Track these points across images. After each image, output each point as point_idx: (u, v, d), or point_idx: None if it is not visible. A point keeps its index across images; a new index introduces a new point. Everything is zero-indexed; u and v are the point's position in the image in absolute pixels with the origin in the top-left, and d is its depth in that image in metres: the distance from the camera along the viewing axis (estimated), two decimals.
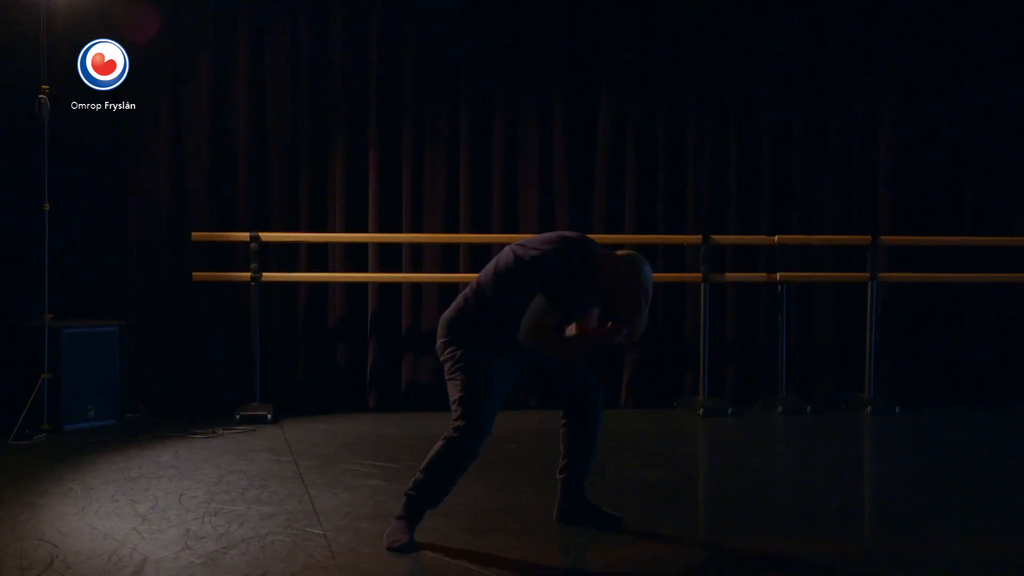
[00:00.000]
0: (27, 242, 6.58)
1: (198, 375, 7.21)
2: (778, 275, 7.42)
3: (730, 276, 7.52)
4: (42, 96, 6.22)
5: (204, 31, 7.20)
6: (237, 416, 6.80)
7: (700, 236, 7.35)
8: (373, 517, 4.51)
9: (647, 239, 7.48)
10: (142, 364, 7.04)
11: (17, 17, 6.67)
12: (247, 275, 7.00)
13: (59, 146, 6.58)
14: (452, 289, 7.43)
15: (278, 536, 4.23)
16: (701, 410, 7.20)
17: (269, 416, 6.80)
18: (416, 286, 7.44)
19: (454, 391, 4.09)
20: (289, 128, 7.31)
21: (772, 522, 4.63)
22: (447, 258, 7.45)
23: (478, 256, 7.43)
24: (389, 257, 7.42)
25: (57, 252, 6.58)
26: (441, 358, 4.18)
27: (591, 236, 7.72)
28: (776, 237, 7.48)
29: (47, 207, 6.28)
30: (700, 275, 7.31)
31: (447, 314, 4.25)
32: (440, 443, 4.07)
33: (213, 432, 6.43)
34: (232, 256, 7.19)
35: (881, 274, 7.51)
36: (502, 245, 7.39)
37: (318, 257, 7.36)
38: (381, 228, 7.37)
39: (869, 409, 7.31)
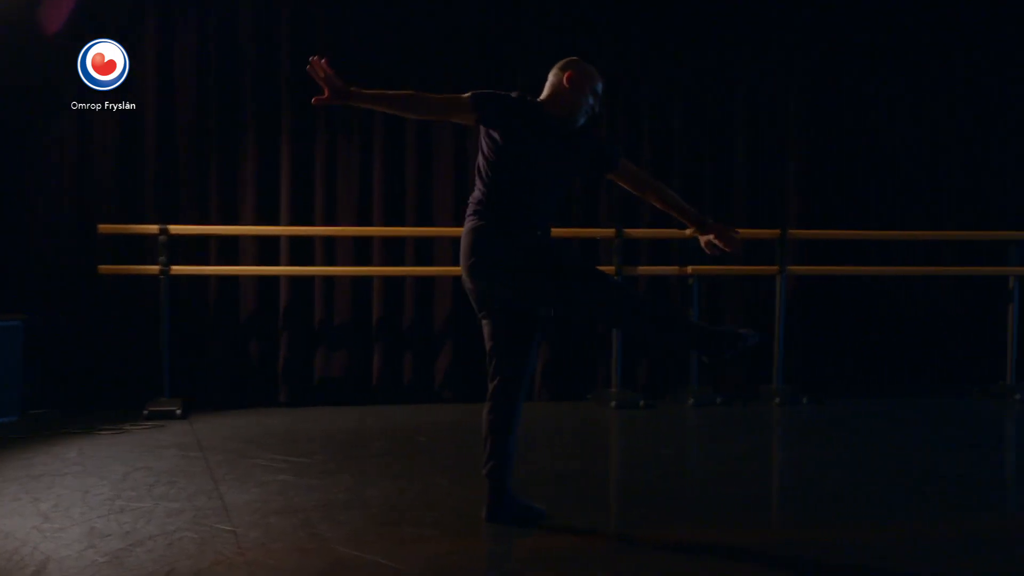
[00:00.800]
0: None
1: (105, 370, 7.06)
2: (689, 268, 7.50)
3: (643, 269, 7.59)
4: None
5: (113, 18, 7.05)
6: (145, 412, 6.67)
7: (614, 230, 7.40)
8: (283, 512, 4.46)
9: (562, 233, 7.48)
10: (47, 359, 6.87)
11: None
12: (156, 268, 6.87)
13: None
14: (365, 282, 7.39)
15: (186, 533, 4.16)
16: (613, 402, 7.25)
17: (178, 411, 6.69)
18: (329, 279, 7.37)
19: None
20: (199, 119, 7.19)
21: (684, 512, 4.67)
22: (360, 251, 7.40)
23: (392, 249, 7.40)
24: (302, 250, 7.34)
25: None
26: None
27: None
28: (688, 230, 7.54)
29: None
30: (613, 268, 7.36)
31: None
32: None
33: (120, 428, 6.31)
34: (140, 248, 7.06)
35: (790, 267, 7.63)
36: (415, 238, 7.45)
37: (229, 250, 7.26)
38: (294, 221, 7.29)
39: (777, 400, 7.42)
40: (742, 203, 7.93)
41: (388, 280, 7.42)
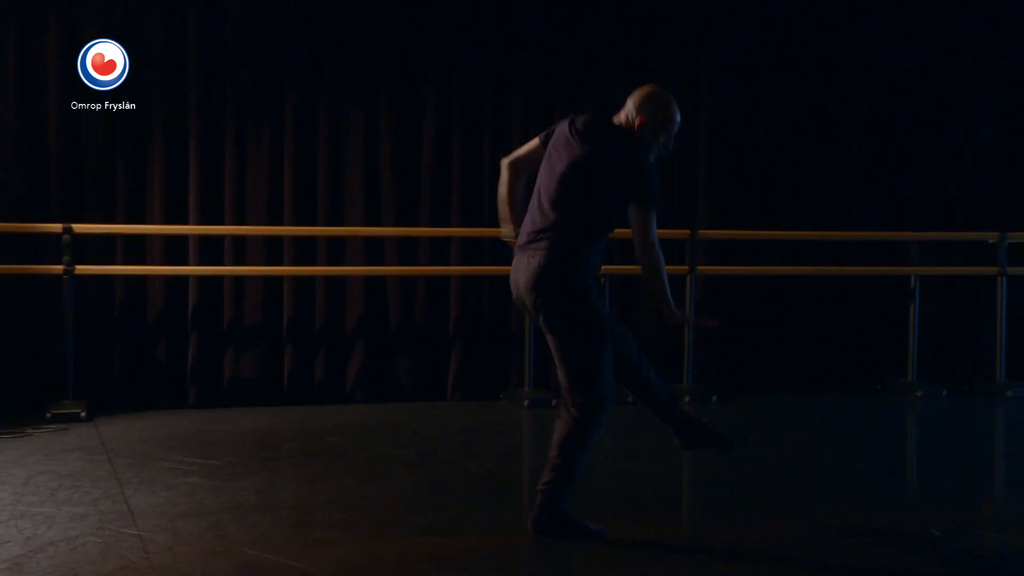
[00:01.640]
0: None
1: (5, 372, 6.88)
2: (601, 268, 7.53)
3: None
4: None
5: (12, 12, 6.88)
6: (48, 415, 6.52)
7: None
8: (191, 515, 4.40)
9: (474, 232, 7.51)
10: None
11: None
12: (59, 268, 6.72)
13: None
14: (276, 282, 7.32)
15: (89, 538, 4.08)
16: (526, 401, 7.27)
17: (83, 414, 6.55)
18: (239, 279, 7.28)
19: None
20: (104, 116, 7.04)
21: (594, 509, 4.70)
22: (271, 251, 7.32)
23: (302, 249, 7.34)
24: (211, 249, 7.24)
25: None
26: None
27: (417, 229, 7.74)
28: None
29: None
30: None
31: None
32: None
33: (22, 432, 6.15)
34: (44, 248, 6.89)
35: (699, 267, 7.73)
36: (327, 238, 7.39)
37: (136, 249, 7.13)
38: (202, 220, 7.19)
39: (688, 399, 7.51)
40: None
41: (299, 280, 7.35)
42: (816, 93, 8.31)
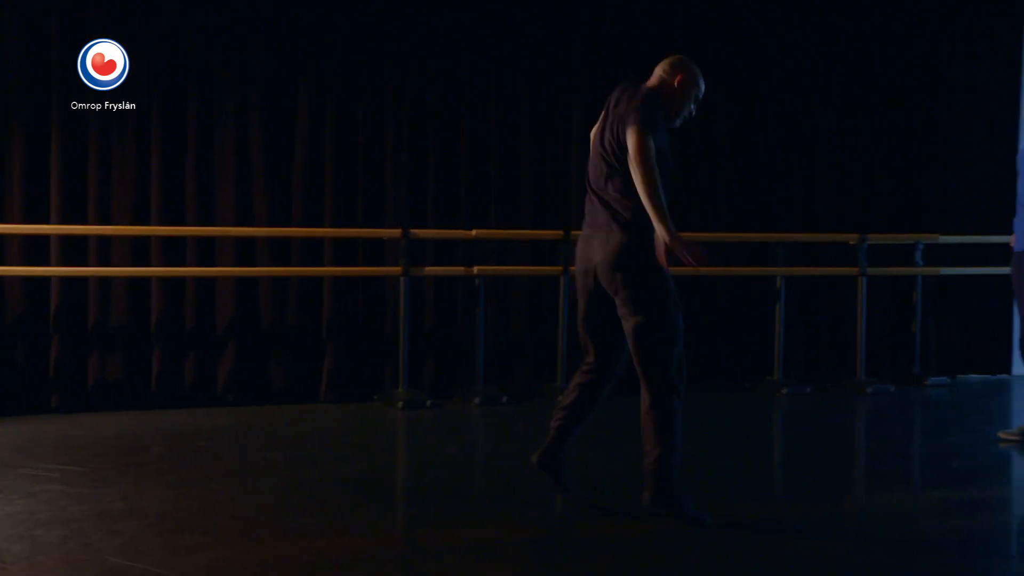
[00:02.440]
0: None
1: None
2: (475, 268, 7.57)
3: (429, 270, 7.61)
4: None
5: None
6: None
7: (400, 230, 7.39)
8: (52, 523, 4.27)
9: (347, 232, 7.46)
10: None
11: None
12: None
13: None
14: (143, 283, 7.15)
15: None
16: (400, 403, 7.25)
17: None
18: (104, 280, 7.09)
19: None
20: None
21: (469, 511, 4.73)
22: (137, 251, 7.15)
23: (170, 249, 7.18)
24: (74, 249, 7.04)
25: None
26: None
27: (289, 229, 7.65)
28: (474, 231, 7.63)
29: None
30: (400, 268, 7.35)
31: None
32: None
33: None
34: None
35: (572, 267, 7.78)
36: (196, 237, 7.25)
37: None
38: (64, 219, 6.98)
39: (561, 397, 7.57)
40: (527, 204, 8.05)
41: (168, 281, 7.19)
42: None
